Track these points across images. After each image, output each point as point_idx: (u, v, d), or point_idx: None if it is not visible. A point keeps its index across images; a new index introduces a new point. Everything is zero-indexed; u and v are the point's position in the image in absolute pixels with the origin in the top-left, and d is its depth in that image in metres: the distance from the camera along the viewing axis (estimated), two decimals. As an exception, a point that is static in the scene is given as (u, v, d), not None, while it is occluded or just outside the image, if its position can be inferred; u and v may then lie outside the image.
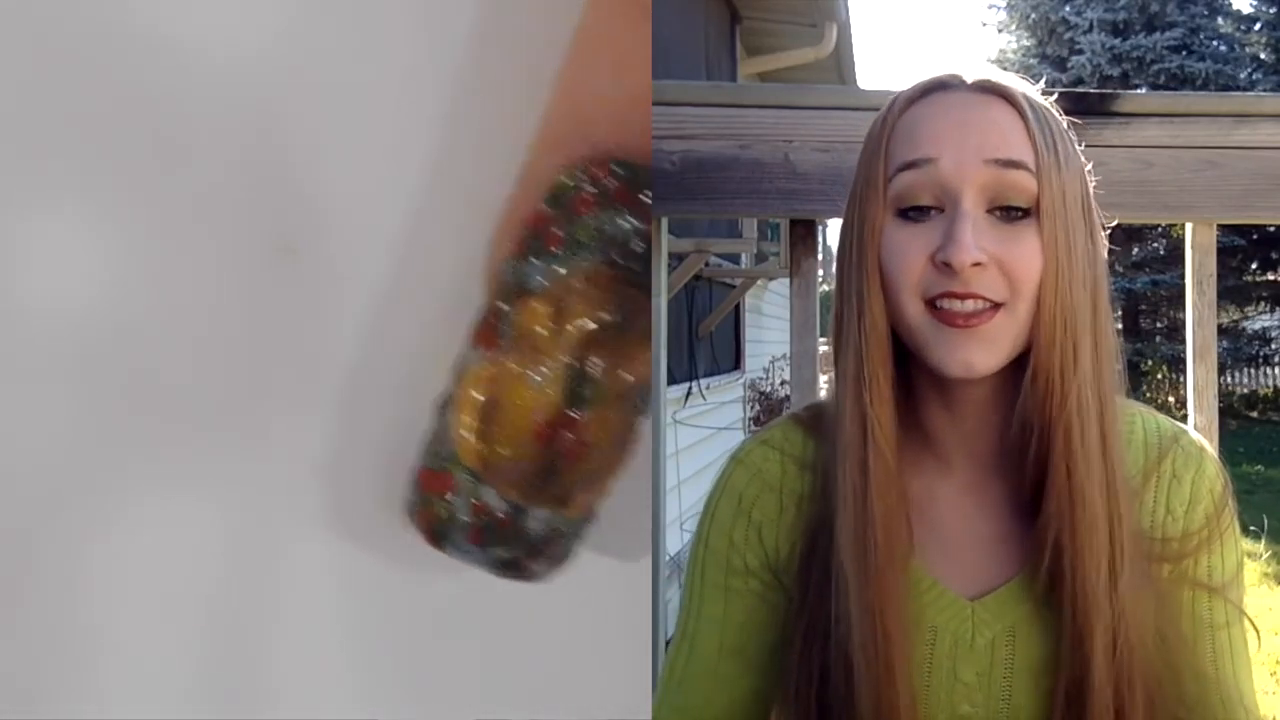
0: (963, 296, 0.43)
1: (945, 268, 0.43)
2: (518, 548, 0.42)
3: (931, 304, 0.44)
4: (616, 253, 0.40)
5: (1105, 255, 0.48)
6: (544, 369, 0.39)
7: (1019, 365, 0.45)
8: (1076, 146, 0.47)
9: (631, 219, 0.40)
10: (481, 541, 0.41)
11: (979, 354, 0.44)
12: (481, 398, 0.40)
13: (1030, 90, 0.47)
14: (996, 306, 0.44)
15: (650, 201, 0.40)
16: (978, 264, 0.43)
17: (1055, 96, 0.48)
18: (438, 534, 0.42)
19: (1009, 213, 0.44)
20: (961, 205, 0.44)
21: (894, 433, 0.46)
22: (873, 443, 0.46)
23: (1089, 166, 0.48)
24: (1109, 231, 0.48)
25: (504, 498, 0.41)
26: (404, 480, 0.42)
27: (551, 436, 0.40)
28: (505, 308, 0.40)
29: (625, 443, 0.42)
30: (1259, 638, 0.51)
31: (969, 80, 0.47)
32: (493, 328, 0.40)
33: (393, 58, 0.45)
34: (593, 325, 0.39)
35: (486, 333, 0.40)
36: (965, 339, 0.44)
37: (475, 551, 0.42)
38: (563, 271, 0.40)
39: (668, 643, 0.55)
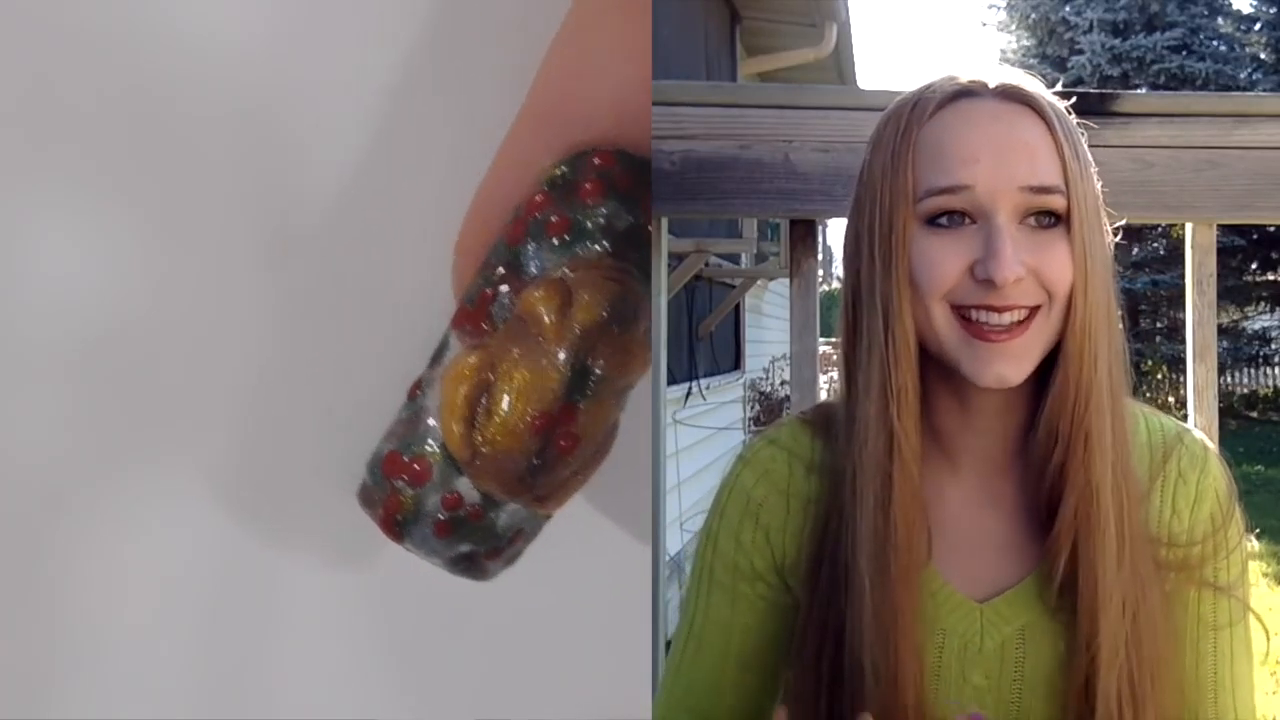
0: (1001, 309, 0.43)
1: (986, 283, 0.43)
2: (481, 542, 0.39)
3: (962, 314, 0.44)
4: (621, 245, 0.38)
5: (1112, 253, 0.48)
6: (546, 359, 0.37)
7: (1037, 370, 0.45)
8: (1085, 145, 0.47)
9: (637, 212, 0.38)
10: (448, 535, 0.38)
11: (1012, 367, 0.44)
12: (473, 383, 0.37)
13: (1047, 92, 0.46)
14: (1034, 312, 0.44)
15: (651, 196, 0.39)
16: (1018, 279, 0.43)
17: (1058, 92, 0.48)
18: (400, 525, 0.38)
19: (1040, 219, 0.44)
20: (997, 220, 0.44)
21: (919, 446, 0.46)
22: (899, 457, 0.45)
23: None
24: (1117, 231, 0.48)
25: (479, 489, 0.38)
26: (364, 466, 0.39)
27: (547, 430, 0.37)
28: (503, 290, 0.38)
29: (607, 445, 0.39)
30: (1267, 635, 0.50)
31: (993, 86, 0.45)
32: (482, 312, 0.38)
33: (392, 52, 0.45)
34: (600, 316, 0.37)
35: (474, 317, 0.38)
36: (999, 353, 0.44)
37: (439, 545, 0.39)
38: (566, 259, 0.37)
39: (668, 643, 0.54)
